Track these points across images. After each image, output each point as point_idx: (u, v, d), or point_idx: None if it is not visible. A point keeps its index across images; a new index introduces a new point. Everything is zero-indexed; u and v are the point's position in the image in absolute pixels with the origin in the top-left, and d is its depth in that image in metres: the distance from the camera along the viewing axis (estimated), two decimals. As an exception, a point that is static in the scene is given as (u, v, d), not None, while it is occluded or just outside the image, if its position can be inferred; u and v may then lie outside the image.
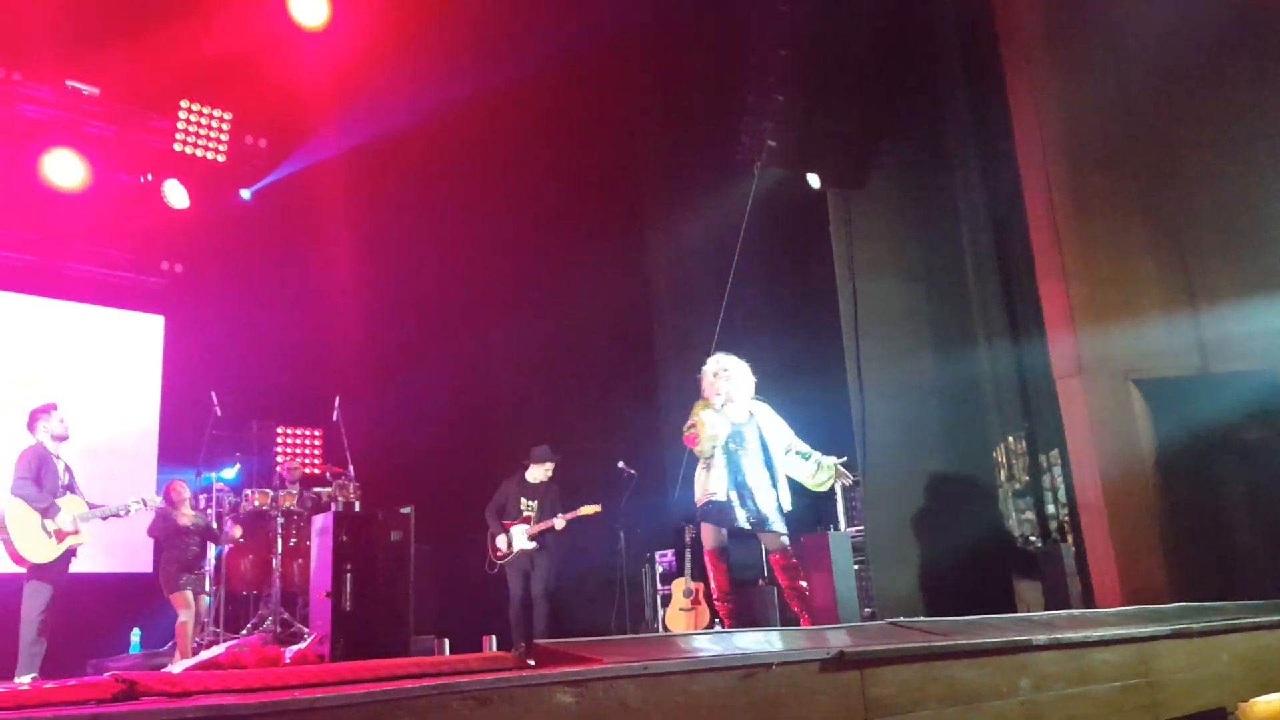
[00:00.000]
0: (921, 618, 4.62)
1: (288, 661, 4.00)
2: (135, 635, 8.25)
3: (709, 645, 4.60)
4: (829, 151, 7.59)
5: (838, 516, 8.02)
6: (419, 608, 5.56)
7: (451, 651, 5.13)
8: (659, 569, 9.41)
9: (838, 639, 4.99)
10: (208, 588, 7.87)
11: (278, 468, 9.06)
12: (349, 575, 4.61)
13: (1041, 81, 6.80)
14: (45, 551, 6.29)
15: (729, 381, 5.75)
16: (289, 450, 9.58)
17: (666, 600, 9.04)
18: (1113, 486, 6.16)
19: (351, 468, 8.28)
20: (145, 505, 7.06)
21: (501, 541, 7.78)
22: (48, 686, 3.04)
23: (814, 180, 7.93)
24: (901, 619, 5.21)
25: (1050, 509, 6.73)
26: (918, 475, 7.27)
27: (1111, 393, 6.34)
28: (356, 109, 9.24)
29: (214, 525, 7.82)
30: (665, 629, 8.65)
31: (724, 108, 8.54)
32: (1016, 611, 6.68)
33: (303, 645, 4.07)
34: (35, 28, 8.47)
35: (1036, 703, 4.20)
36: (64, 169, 8.80)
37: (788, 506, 5.76)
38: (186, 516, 7.39)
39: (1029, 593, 6.73)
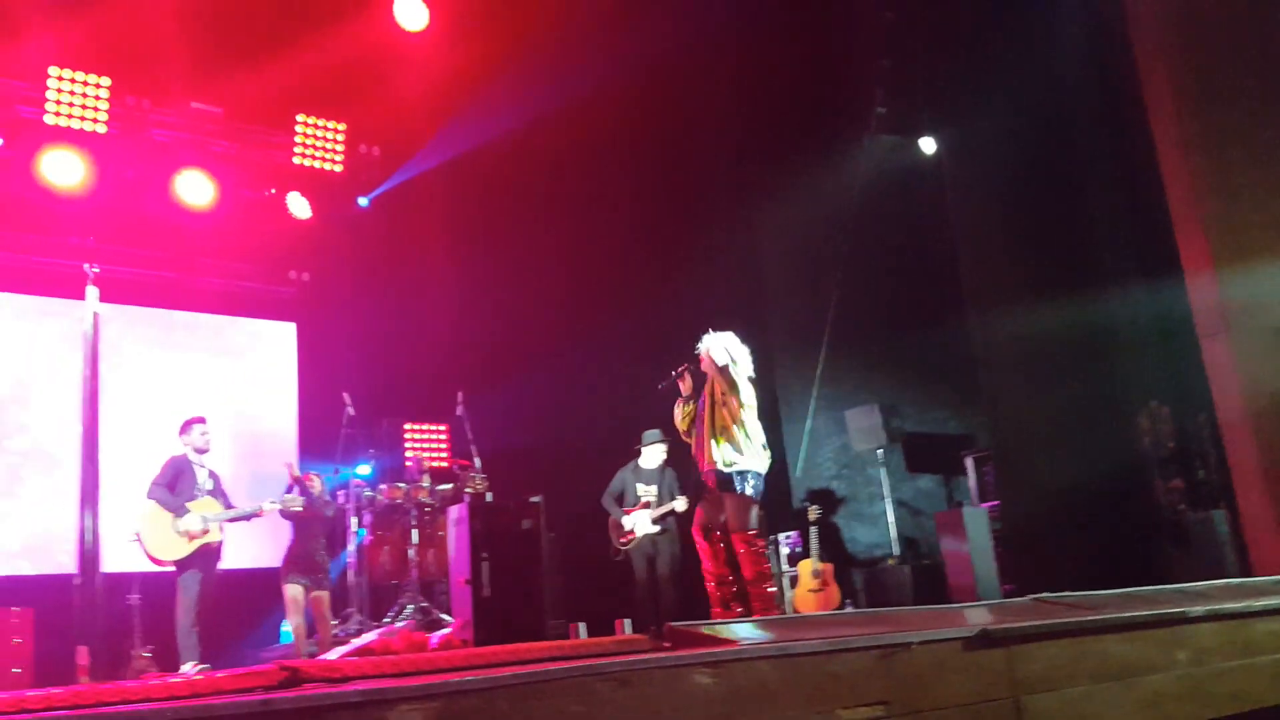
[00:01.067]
0: (1068, 592, 4.45)
1: (434, 647, 4.12)
2: (285, 626, 8.64)
3: (844, 625, 4.54)
4: (942, 114, 7.36)
5: (969, 492, 7.81)
6: (552, 593, 5.66)
7: (587, 635, 5.21)
8: (784, 550, 9.34)
9: (979, 617, 4.86)
10: (349, 579, 8.14)
11: (407, 463, 9.33)
12: (485, 563, 4.72)
13: (1170, 33, 6.44)
14: (176, 550, 6.72)
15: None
16: (417, 446, 9.86)
17: (794, 582, 8.97)
18: (1271, 449, 5.81)
19: (478, 460, 8.46)
20: (277, 505, 7.37)
21: (627, 522, 7.86)
22: (219, 675, 3.20)
23: (927, 145, 7.70)
24: (1046, 594, 5.04)
25: (1200, 474, 6.40)
26: (1054, 445, 7.00)
27: (1263, 349, 5.97)
28: (464, 111, 9.41)
29: (328, 512, 8.02)
30: (794, 611, 8.59)
31: (828, 80, 8.39)
32: (1166, 583, 6.38)
33: (447, 631, 4.20)
34: (159, 55, 8.89)
35: (1195, 676, 4.00)
36: (195, 188, 9.20)
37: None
38: (296, 502, 7.53)
39: (1180, 563, 6.41)
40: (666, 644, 3.99)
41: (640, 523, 7.85)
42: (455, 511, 5.18)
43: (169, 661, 7.05)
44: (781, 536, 9.39)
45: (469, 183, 9.83)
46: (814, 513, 8.75)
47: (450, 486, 8.53)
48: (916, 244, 8.63)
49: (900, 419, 8.76)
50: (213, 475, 7.20)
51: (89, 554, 4.41)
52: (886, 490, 8.92)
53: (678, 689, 3.57)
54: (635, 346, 9.65)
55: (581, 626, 5.48)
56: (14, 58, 8.39)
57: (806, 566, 8.74)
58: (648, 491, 7.99)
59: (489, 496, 7.02)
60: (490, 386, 9.13)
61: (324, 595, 7.59)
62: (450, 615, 7.60)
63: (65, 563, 8.43)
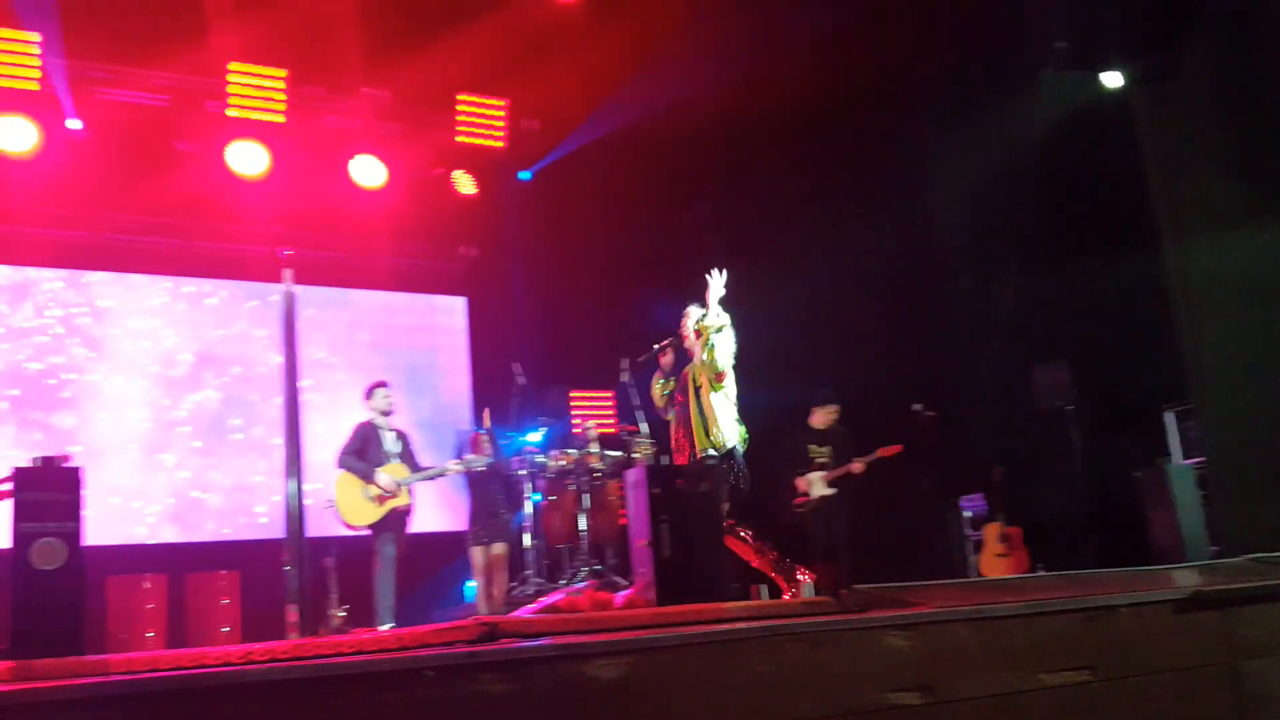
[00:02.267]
0: (1287, 551, 4.12)
1: (618, 606, 4.20)
2: (469, 586, 9.01)
3: (1042, 589, 4.34)
4: (1127, 45, 6.84)
5: (1172, 447, 7.33)
6: (731, 556, 5.67)
7: (768, 598, 5.19)
8: (967, 514, 9.04)
9: (1189, 579, 4.57)
10: (524, 543, 8.38)
11: (574, 429, 9.50)
12: (664, 525, 4.77)
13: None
14: (368, 515, 7.04)
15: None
16: (584, 412, 10.04)
17: (977, 547, 8.68)
18: None
19: (644, 425, 8.53)
20: (460, 465, 7.67)
21: (802, 484, 7.78)
22: (421, 630, 3.35)
23: (1111, 79, 7.19)
24: (1261, 554, 4.69)
25: None
26: (1266, 394, 6.44)
27: None
28: (623, 84, 9.39)
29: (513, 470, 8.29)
30: (980, 576, 8.32)
31: (999, 21, 7.97)
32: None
33: (629, 591, 4.28)
34: (330, 45, 9.28)
35: None
36: (367, 171, 9.61)
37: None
38: (479, 462, 7.84)
39: None
40: (853, 607, 3.92)
41: (815, 485, 7.76)
42: (632, 475, 5.24)
43: (363, 621, 7.45)
44: (963, 499, 9.09)
45: (628, 154, 9.84)
46: (999, 473, 8.43)
47: (620, 453, 8.64)
48: (1098, 186, 8.13)
49: (1089, 372, 8.30)
50: (401, 437, 7.51)
51: (294, 519, 4.69)
52: (1077, 448, 8.48)
53: (870, 651, 3.50)
54: (807, 307, 9.52)
55: (763, 589, 5.48)
56: (198, 56, 8.93)
57: (993, 530, 8.43)
58: (821, 452, 7.88)
59: (664, 460, 7.07)
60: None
61: (501, 550, 7.84)
62: (621, 578, 7.75)
63: (266, 527, 9.14)
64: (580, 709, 3.12)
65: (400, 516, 7.22)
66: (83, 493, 3.83)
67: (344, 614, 8.18)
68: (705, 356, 5.92)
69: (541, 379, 9.85)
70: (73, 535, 3.72)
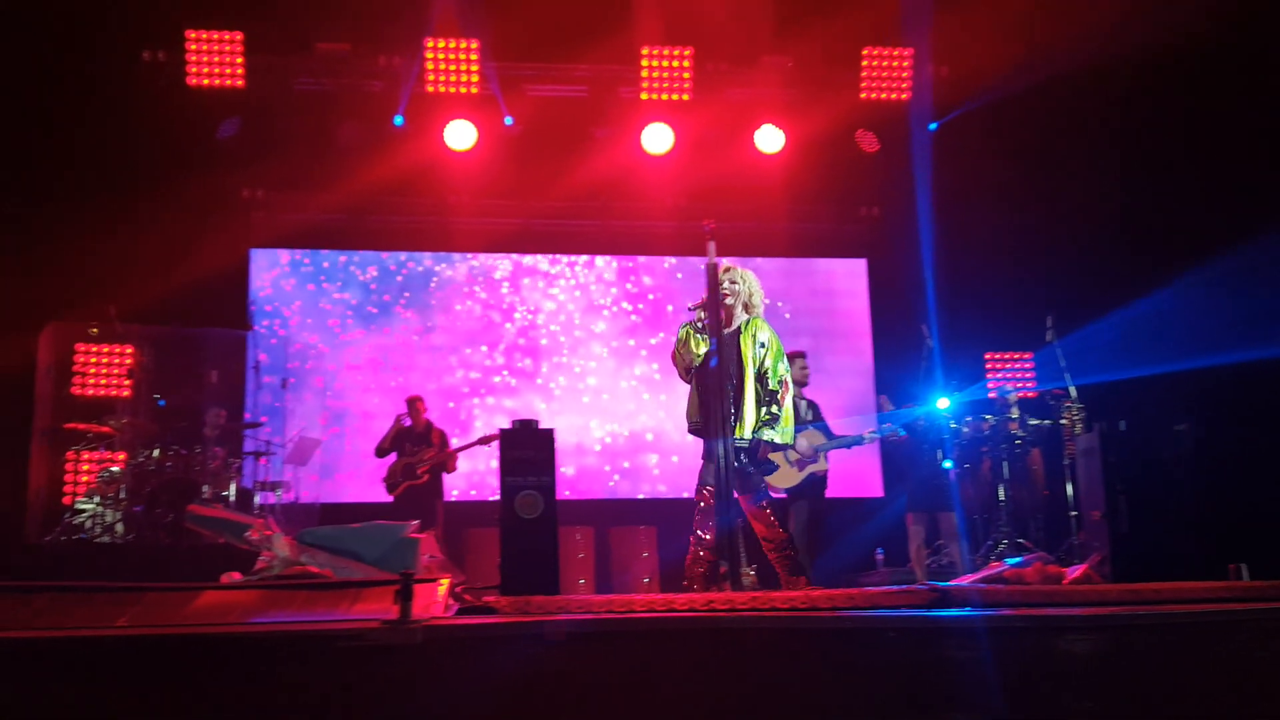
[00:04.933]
0: None
1: (1070, 581, 3.93)
2: (879, 554, 8.95)
3: None
4: None
5: None
6: (1201, 531, 5.07)
7: (1248, 578, 4.56)
8: None
9: None
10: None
11: (990, 394, 9.04)
12: (1122, 497, 4.36)
13: None
14: (788, 479, 7.17)
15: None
16: (1001, 375, 9.52)
17: None
18: None
19: (1072, 389, 7.91)
20: (876, 435, 7.57)
21: None
22: (872, 591, 3.35)
23: None
24: None
25: None
26: None
27: None
28: (1042, 32, 8.72)
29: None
30: None
31: None
32: None
33: (1082, 565, 3.97)
34: (733, 18, 9.51)
35: None
36: (769, 138, 9.77)
37: None
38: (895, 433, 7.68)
39: None
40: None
41: None
42: (1084, 441, 4.87)
43: (769, 581, 7.62)
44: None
45: (1046, 107, 9.20)
46: None
47: (1044, 420, 8.08)
48: None
49: None
50: (812, 405, 7.59)
51: (723, 480, 4.87)
52: None
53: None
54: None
55: (1243, 567, 4.83)
56: (613, 45, 9.53)
57: None
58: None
59: (1122, 425, 6.48)
60: (1083, 309, 8.51)
61: (941, 518, 7.70)
62: (1046, 552, 7.27)
63: (685, 485, 9.70)
64: (1046, 682, 2.96)
65: (818, 482, 7.30)
66: (554, 451, 4.26)
67: (752, 572, 8.46)
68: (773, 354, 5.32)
69: (951, 341, 9.47)
70: (549, 489, 4.15)
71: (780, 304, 10.45)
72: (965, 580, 4.28)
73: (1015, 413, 8.26)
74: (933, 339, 8.64)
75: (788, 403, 5.03)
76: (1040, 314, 8.19)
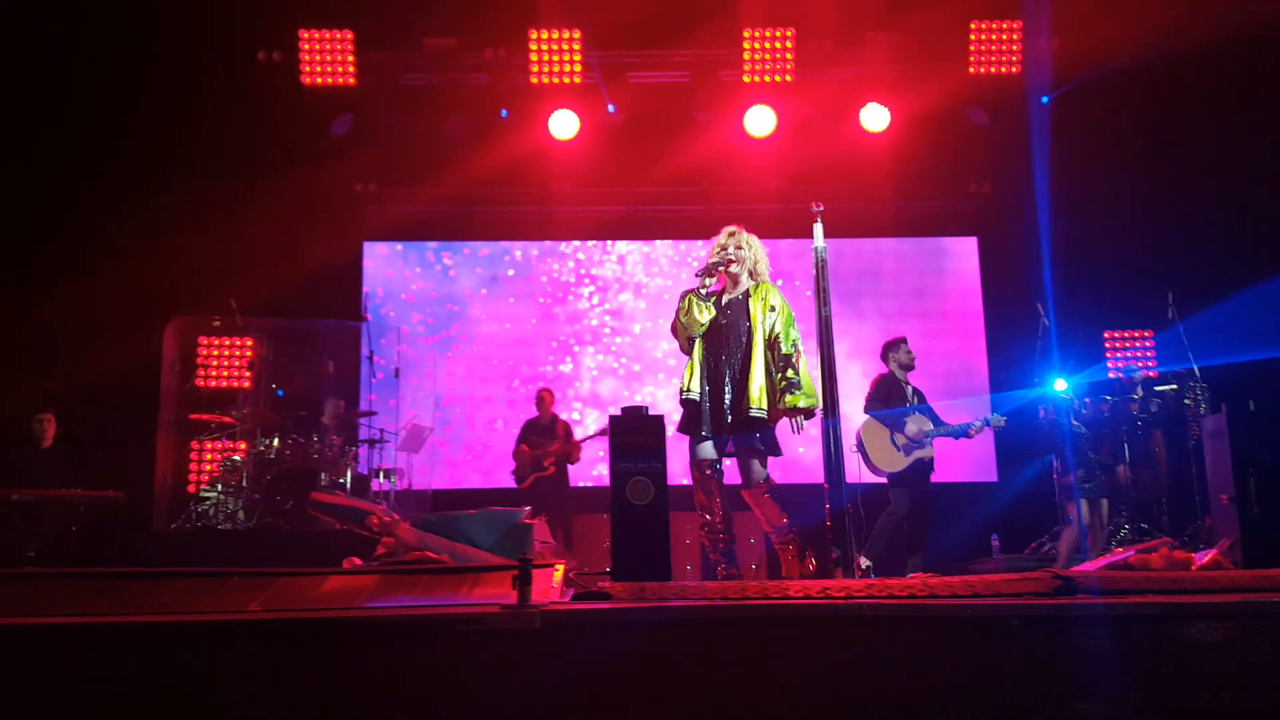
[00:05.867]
0: None
1: (1200, 567, 3.78)
2: (994, 540, 8.73)
3: None
4: None
5: None
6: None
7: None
8: None
9: None
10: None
11: (1110, 374, 8.74)
12: (1252, 479, 4.17)
13: None
14: (894, 463, 7.06)
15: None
16: (1120, 354, 9.17)
17: None
18: None
19: (1196, 367, 7.61)
20: (987, 425, 7.37)
21: None
22: (993, 578, 3.28)
23: None
24: None
25: None
26: None
27: None
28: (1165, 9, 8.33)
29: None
30: None
31: None
32: None
33: (1211, 551, 3.81)
34: (828, 1, 9.36)
35: None
36: (874, 117, 9.60)
37: None
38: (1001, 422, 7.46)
39: None
40: None
41: None
42: (1210, 423, 4.66)
43: (886, 569, 7.51)
44: None
45: (1168, 79, 8.80)
46: None
47: (1170, 398, 7.79)
48: None
49: None
50: (917, 392, 7.47)
51: (834, 464, 4.83)
52: None
53: None
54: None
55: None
56: (718, 27, 9.48)
57: None
58: None
59: (1251, 406, 6.21)
60: (1205, 288, 8.15)
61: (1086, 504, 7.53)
62: (1171, 537, 7.02)
63: (805, 471, 9.60)
64: (1177, 673, 2.87)
65: (924, 467, 7.18)
66: (665, 438, 4.28)
67: (869, 562, 8.36)
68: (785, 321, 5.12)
69: (1067, 319, 9.16)
70: (659, 475, 4.17)
71: (873, 286, 10.28)
72: (1089, 566, 4.16)
73: (1138, 393, 7.97)
74: (1049, 318, 8.38)
75: (803, 367, 4.89)
76: (1161, 292, 7.89)
